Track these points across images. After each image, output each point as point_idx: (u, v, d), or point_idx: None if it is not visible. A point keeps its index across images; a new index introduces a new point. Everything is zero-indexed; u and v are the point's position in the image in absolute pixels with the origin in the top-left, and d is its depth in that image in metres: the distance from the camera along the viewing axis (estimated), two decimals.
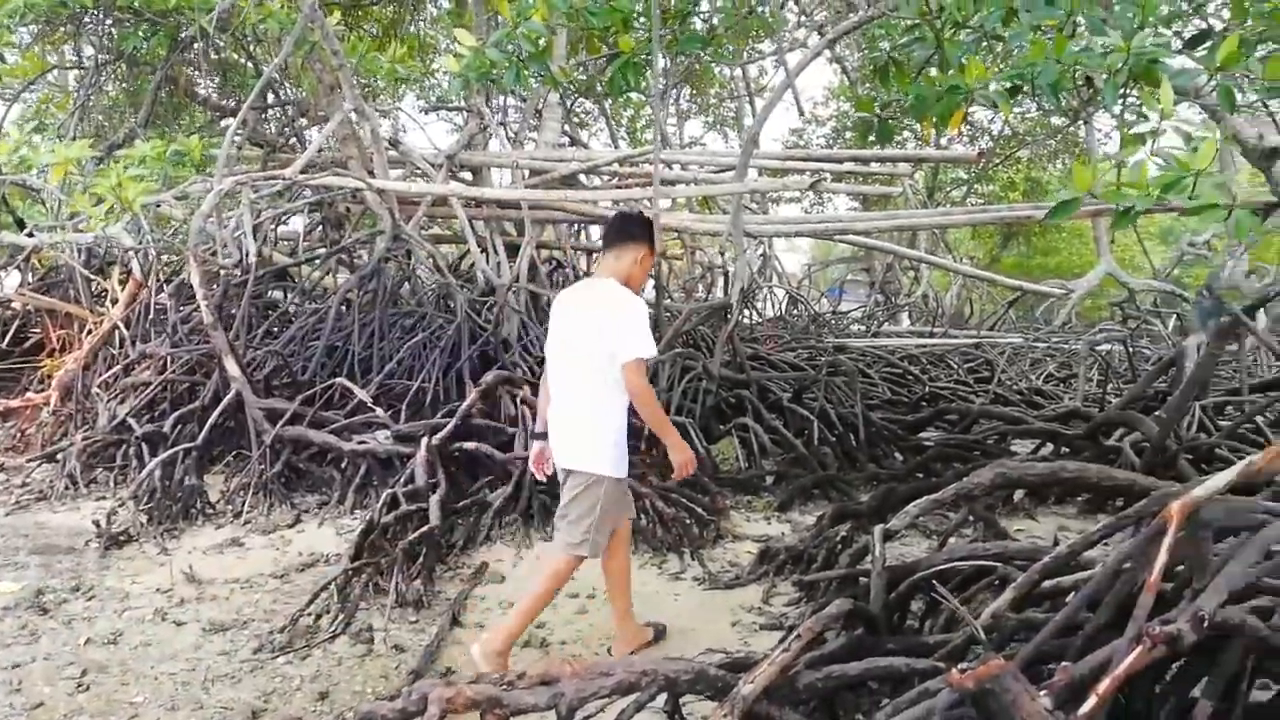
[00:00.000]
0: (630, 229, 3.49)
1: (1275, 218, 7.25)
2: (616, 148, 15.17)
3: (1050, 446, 6.56)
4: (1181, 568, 2.11)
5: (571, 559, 3.35)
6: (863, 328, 15.00)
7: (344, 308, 7.19)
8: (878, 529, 3.23)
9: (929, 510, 3.42)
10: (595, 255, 11.84)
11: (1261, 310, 8.50)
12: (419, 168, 8.76)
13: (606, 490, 3.32)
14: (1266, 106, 3.98)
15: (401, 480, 4.71)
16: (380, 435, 5.17)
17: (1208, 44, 4.18)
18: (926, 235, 15.37)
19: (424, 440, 4.89)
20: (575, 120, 17.96)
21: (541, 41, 4.58)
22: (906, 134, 14.98)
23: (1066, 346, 13.87)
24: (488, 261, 8.81)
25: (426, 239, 9.04)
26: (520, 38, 4.45)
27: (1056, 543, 3.82)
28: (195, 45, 8.60)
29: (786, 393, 6.84)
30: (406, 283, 8.36)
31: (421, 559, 4.03)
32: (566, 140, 14.08)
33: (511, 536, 4.55)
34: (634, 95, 19.44)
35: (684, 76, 16.99)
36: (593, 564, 3.48)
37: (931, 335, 14.13)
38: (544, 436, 3.53)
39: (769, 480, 5.48)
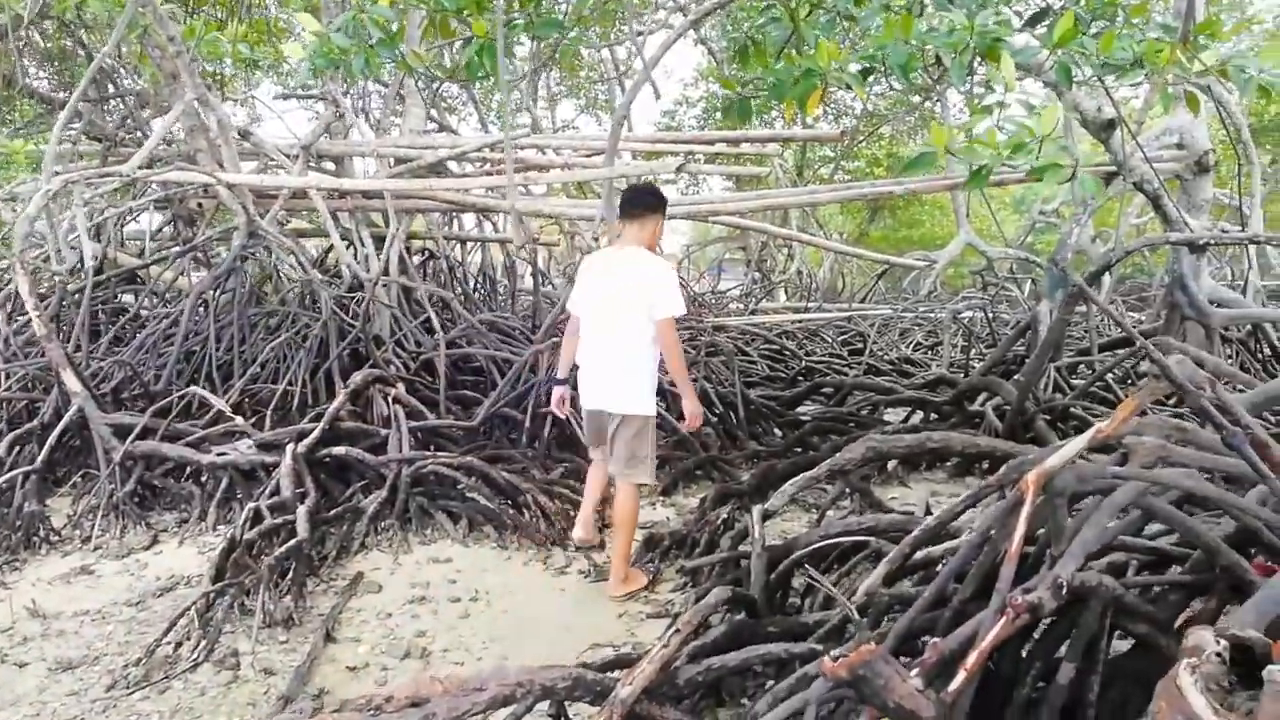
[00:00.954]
0: (646, 199, 4.03)
1: (1115, 184, 7.70)
2: (487, 132, 14.89)
3: (920, 414, 6.80)
4: (1041, 532, 2.18)
5: (635, 487, 3.98)
6: (741, 306, 15.23)
7: (199, 310, 6.77)
8: (756, 510, 3.24)
9: (805, 487, 3.45)
10: (469, 244, 11.59)
11: (1106, 275, 9.01)
12: (274, 159, 8.33)
13: (653, 427, 4.01)
14: (1102, 82, 4.18)
15: (266, 492, 4.47)
16: (242, 445, 4.88)
17: (1046, 22, 4.38)
18: (799, 213, 15.70)
19: (289, 448, 4.64)
20: (444, 106, 17.53)
21: (393, 25, 4.38)
22: (774, 114, 15.24)
23: (932, 315, 14.47)
24: (355, 255, 8.48)
25: (289, 233, 8.63)
26: (368, 22, 4.24)
27: (928, 510, 3.95)
28: (17, 33, 7.91)
29: (666, 375, 6.84)
30: (270, 280, 7.96)
31: (290, 574, 3.83)
32: (434, 127, 13.72)
33: (389, 543, 4.37)
34: (503, 78, 19.14)
35: (549, 58, 16.76)
36: (464, 566, 3.37)
37: (806, 310, 14.48)
38: (564, 382, 4.23)
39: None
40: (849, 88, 4.12)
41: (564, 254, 13.44)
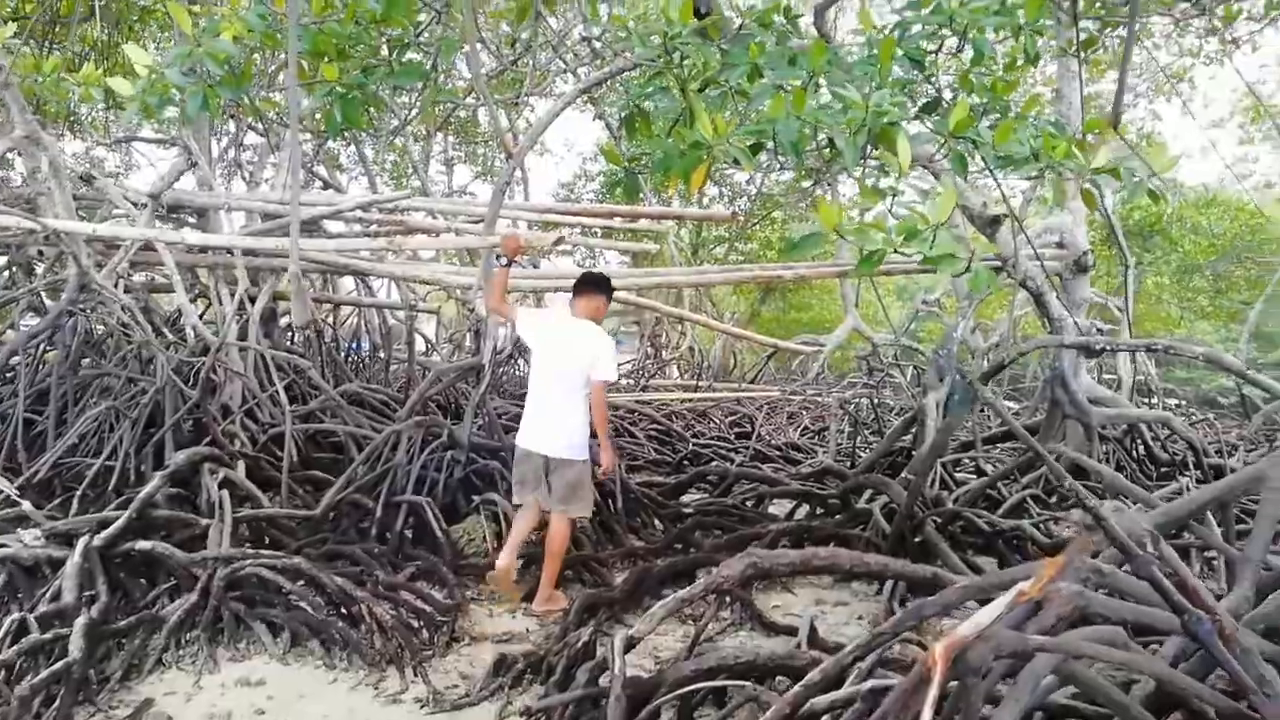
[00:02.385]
0: (597, 282, 4.86)
1: (1000, 279, 7.73)
2: (376, 191, 14.31)
3: (806, 507, 6.50)
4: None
5: (570, 521, 4.65)
6: (632, 382, 14.90)
7: (6, 372, 5.95)
8: (617, 640, 2.78)
9: (676, 610, 3.02)
10: (338, 306, 10.88)
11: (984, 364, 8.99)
12: (120, 208, 7.59)
13: (589, 469, 4.69)
14: (994, 174, 4.04)
15: (48, 595, 3.75)
16: (26, 535, 4.13)
17: (938, 113, 4.24)
18: (692, 291, 15.61)
19: (82, 541, 3.93)
20: (332, 162, 16.88)
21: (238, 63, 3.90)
22: (674, 191, 15.19)
23: (820, 399, 14.46)
24: (214, 315, 7.75)
25: (140, 288, 7.84)
26: (206, 58, 3.74)
27: (813, 630, 3.56)
28: None
29: None
30: (111, 339, 7.14)
31: (56, 704, 3.13)
32: (318, 184, 13.07)
33: (192, 659, 3.69)
34: (399, 141, 18.62)
35: (444, 122, 16.41)
36: (279, 691, 2.77)
37: (697, 389, 14.26)
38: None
39: (518, 565, 4.92)
40: (735, 163, 3.85)
41: (457, 320, 12.88)
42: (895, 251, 3.20)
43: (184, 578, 4.04)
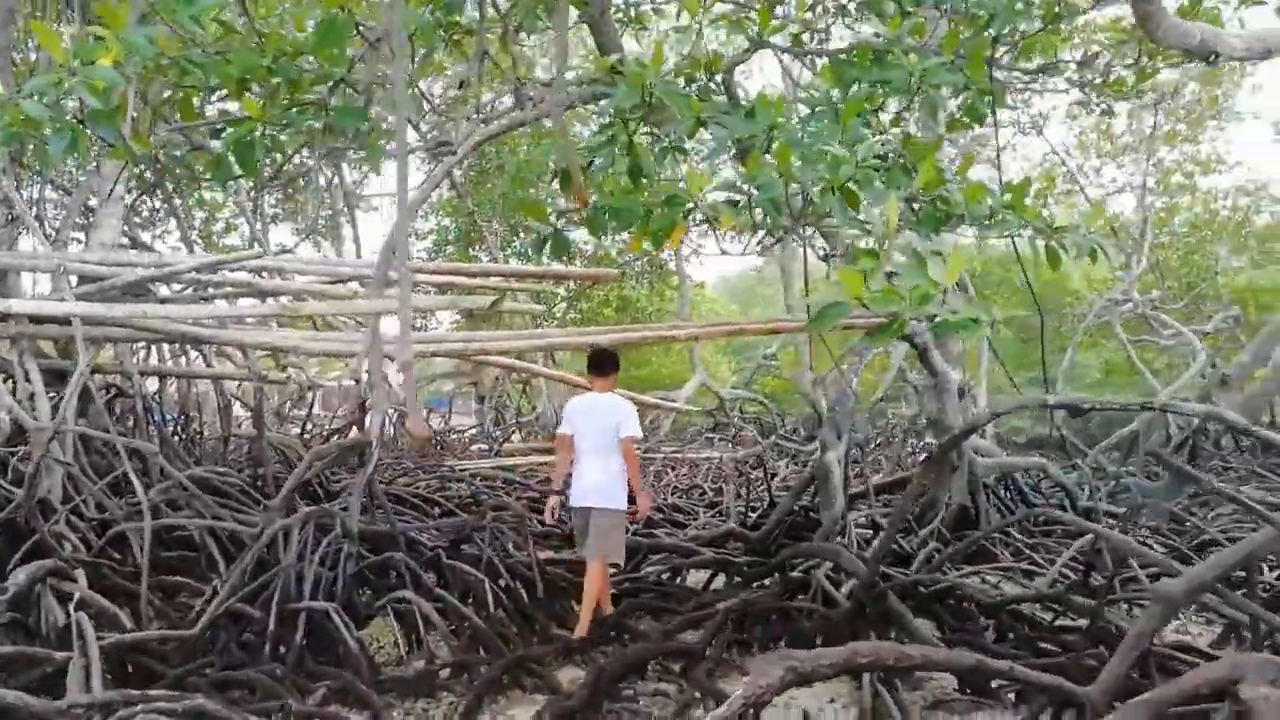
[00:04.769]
0: (611, 360, 5.65)
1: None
2: (190, 250, 13.01)
3: (723, 577, 6.20)
4: None
5: (607, 565, 5.27)
6: (485, 447, 14.21)
7: None
8: None
9: None
10: (170, 378, 9.65)
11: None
12: None
13: (623, 520, 5.52)
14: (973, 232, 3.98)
15: None
16: None
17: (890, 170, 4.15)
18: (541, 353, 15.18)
19: None
20: (135, 218, 15.30)
21: (114, 96, 3.23)
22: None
23: (680, 456, 14.32)
24: (16, 394, 6.57)
25: None
26: (80, 87, 3.07)
27: None
28: None
29: (441, 544, 5.74)
30: None
31: None
32: (126, 242, 11.71)
33: None
34: (209, 194, 17.20)
35: (273, 175, 15.30)
36: None
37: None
38: (561, 493, 5.68)
39: (445, 674, 4.29)
40: (710, 221, 3.57)
41: (292, 393, 11.79)
42: (911, 318, 3.01)
43: None
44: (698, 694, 3.90)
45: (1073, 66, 5.56)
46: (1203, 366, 12.82)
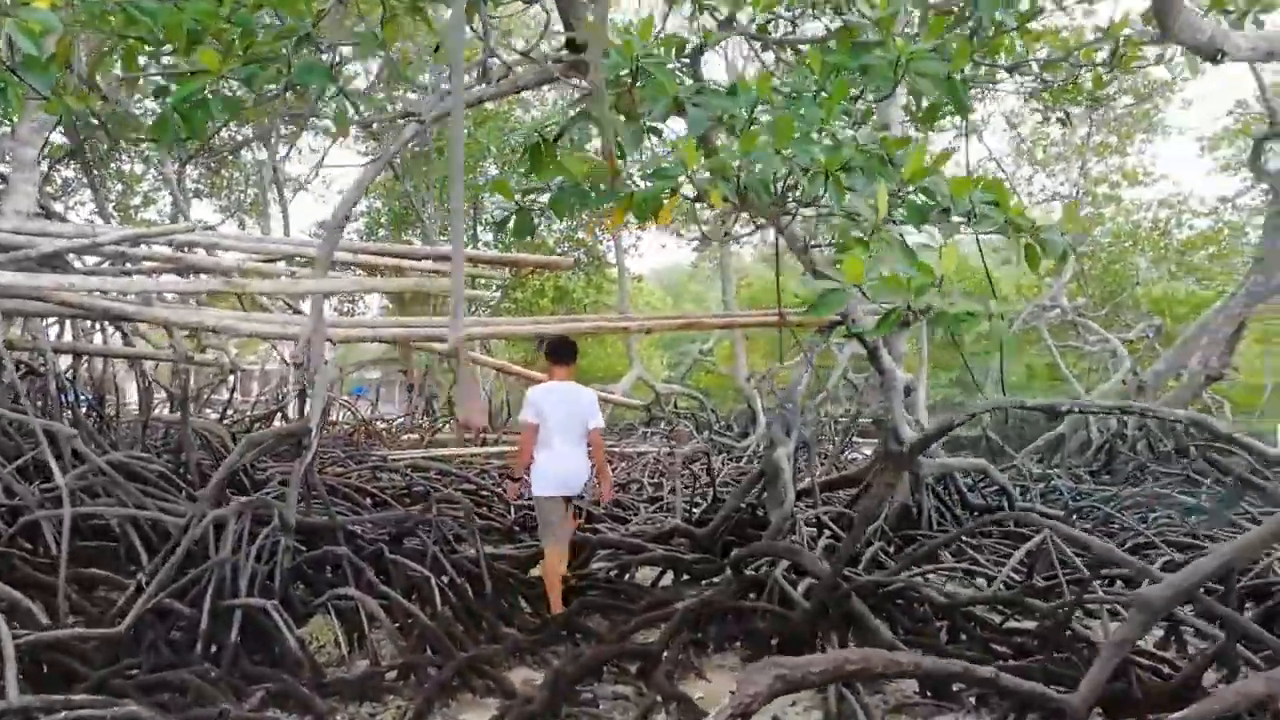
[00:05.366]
0: (571, 349, 5.70)
1: (837, 332, 7.86)
2: (107, 224, 12.34)
3: (671, 574, 6.10)
4: None
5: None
6: (415, 436, 13.85)
7: None
8: None
9: None
10: (85, 357, 9.08)
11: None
12: None
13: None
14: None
15: None
16: None
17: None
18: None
19: None
20: (48, 187, 14.50)
21: (50, 42, 2.95)
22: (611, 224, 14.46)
23: (615, 450, 14.16)
24: None
25: None
26: (12, 29, 2.77)
27: None
28: None
29: (382, 538, 5.49)
30: None
31: None
32: (41, 211, 11.03)
33: None
34: (126, 167, 16.37)
35: (199, 150, 14.65)
36: None
37: (484, 443, 13.50)
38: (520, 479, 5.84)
39: (392, 676, 4.06)
40: (697, 199, 3.43)
41: (212, 376, 11.24)
42: (909, 309, 2.93)
43: None
44: (659, 698, 3.76)
45: (1035, 67, 5.57)
46: (1125, 373, 13.23)
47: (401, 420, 16.66)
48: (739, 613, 4.88)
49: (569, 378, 5.60)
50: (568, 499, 5.48)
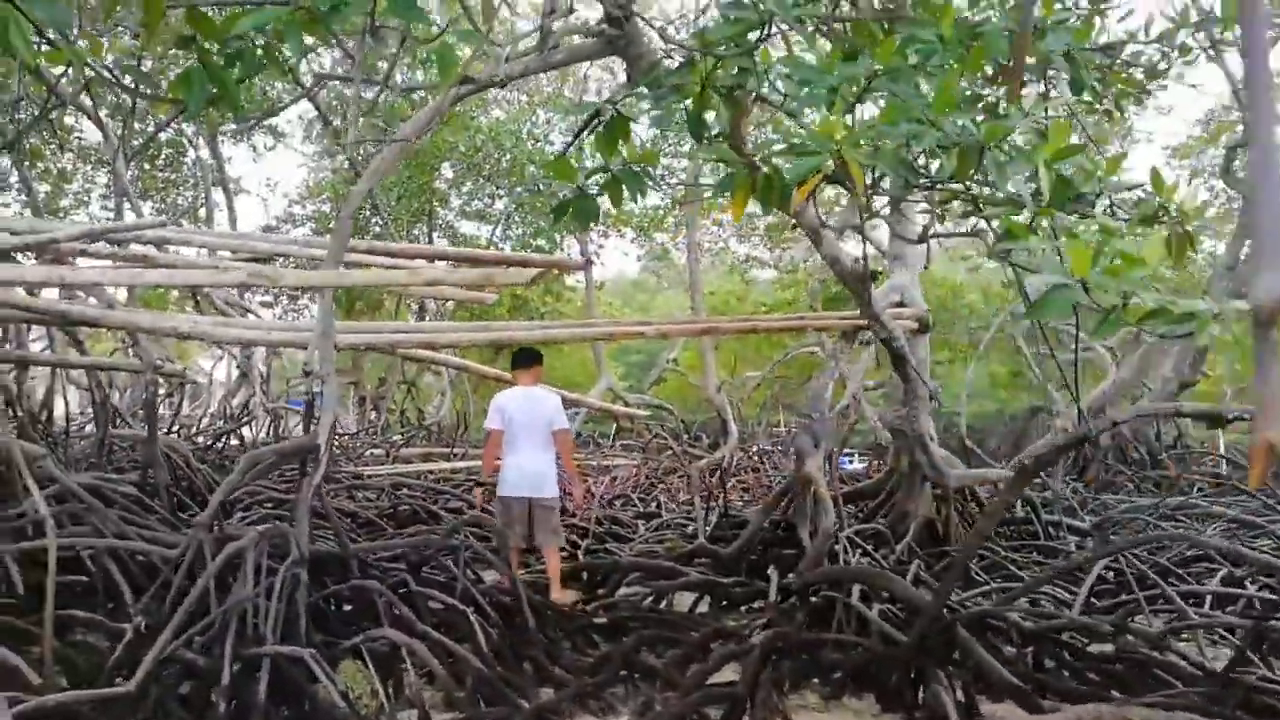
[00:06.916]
0: (535, 356, 5.97)
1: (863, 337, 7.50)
2: (39, 217, 11.36)
3: (709, 599, 5.63)
4: None
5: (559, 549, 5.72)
6: (382, 452, 13.07)
7: None
8: None
9: None
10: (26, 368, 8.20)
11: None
12: None
13: (558, 505, 5.86)
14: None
15: None
16: None
17: None
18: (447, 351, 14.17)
19: None
20: None
21: None
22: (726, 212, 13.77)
23: (591, 464, 13.61)
24: None
25: None
26: None
27: None
28: None
29: (399, 567, 4.90)
30: None
31: None
32: None
33: None
34: (55, 166, 15.28)
35: (144, 146, 13.72)
36: None
37: (452, 457, 12.84)
38: (488, 484, 6.12)
39: None
40: (838, 180, 2.97)
41: (169, 386, 10.36)
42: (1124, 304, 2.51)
43: None
44: None
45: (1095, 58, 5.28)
46: (1113, 379, 13.21)
47: (358, 434, 15.83)
48: (811, 646, 4.42)
49: (532, 383, 5.78)
50: (530, 502, 5.54)
